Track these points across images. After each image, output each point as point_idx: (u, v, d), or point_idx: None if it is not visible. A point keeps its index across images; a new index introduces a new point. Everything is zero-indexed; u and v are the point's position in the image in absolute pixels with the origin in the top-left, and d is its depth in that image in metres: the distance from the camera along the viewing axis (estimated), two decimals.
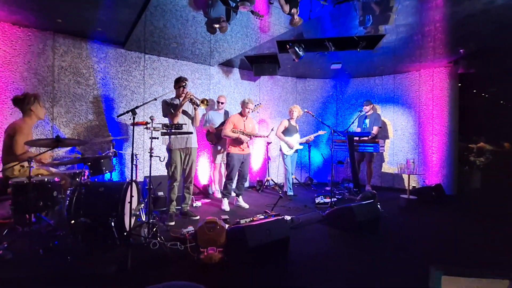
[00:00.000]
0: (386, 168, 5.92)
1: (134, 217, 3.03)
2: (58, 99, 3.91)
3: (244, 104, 4.09)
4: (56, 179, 2.72)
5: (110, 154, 3.39)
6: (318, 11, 3.31)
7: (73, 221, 2.62)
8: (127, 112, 2.58)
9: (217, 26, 3.34)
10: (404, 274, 2.25)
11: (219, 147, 4.65)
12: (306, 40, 4.07)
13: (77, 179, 3.10)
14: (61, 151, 3.86)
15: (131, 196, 2.65)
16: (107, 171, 3.31)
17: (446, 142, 5.27)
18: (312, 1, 3.20)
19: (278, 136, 4.79)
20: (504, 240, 3.01)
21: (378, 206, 3.59)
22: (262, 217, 3.22)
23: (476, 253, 2.70)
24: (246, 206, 4.10)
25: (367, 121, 5.42)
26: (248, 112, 4.11)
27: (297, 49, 4.05)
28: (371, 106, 5.43)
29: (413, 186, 5.13)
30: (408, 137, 5.69)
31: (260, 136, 4.25)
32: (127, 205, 2.78)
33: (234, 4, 3.11)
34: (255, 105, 4.30)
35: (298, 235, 3.00)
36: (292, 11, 3.22)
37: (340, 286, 2.08)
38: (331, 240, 3.03)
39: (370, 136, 5.16)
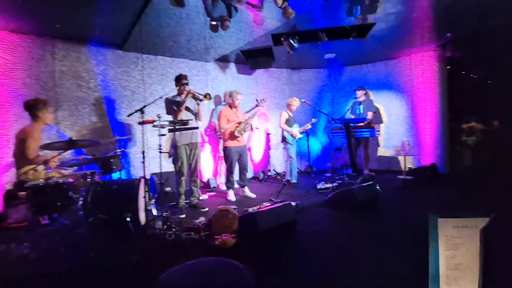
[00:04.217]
0: (382, 151, 6.13)
1: (147, 212, 3.17)
2: (61, 103, 3.99)
3: (233, 96, 4.19)
4: (70, 180, 2.84)
5: (118, 153, 3.50)
6: (310, 3, 3.42)
7: (91, 219, 2.76)
8: (137, 111, 2.70)
9: (214, 22, 3.45)
10: (401, 246, 2.44)
11: None
12: (300, 32, 4.18)
13: (89, 179, 3.22)
14: (68, 154, 3.96)
15: (146, 192, 2.79)
16: (116, 170, 3.43)
17: (438, 123, 5.48)
18: None
19: (282, 128, 4.93)
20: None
21: (377, 187, 3.77)
22: (269, 204, 3.39)
23: None
24: (253, 195, 4.27)
25: (360, 107, 5.58)
26: (238, 103, 4.20)
27: (291, 41, 4.16)
28: (364, 92, 5.58)
29: (409, 167, 5.35)
30: (402, 121, 5.89)
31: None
32: (140, 200, 2.93)
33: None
34: (261, 100, 4.41)
35: (303, 218, 3.18)
36: (284, 4, 3.34)
37: (343, 259, 2.27)
38: (334, 220, 3.24)
39: (365, 122, 5.33)
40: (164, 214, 3.05)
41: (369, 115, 5.44)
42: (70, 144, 2.56)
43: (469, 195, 4.05)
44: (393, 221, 3.08)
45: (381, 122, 6.09)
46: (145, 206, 3.09)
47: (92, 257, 2.41)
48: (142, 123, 2.73)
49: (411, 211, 3.39)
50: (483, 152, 6.07)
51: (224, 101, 5.24)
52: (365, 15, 3.79)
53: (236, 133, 4.09)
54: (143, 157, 2.73)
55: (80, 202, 3.02)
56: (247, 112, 5.18)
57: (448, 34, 4.62)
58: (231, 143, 4.14)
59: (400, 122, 5.92)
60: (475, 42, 4.90)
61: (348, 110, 5.71)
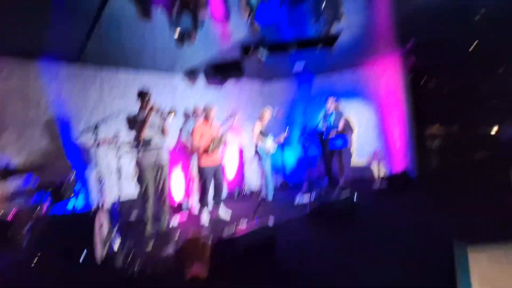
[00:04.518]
0: (356, 160, 6.16)
1: (107, 247, 2.80)
2: (6, 125, 3.52)
3: (206, 111, 3.99)
4: (12, 212, 2.43)
5: (72, 179, 3.12)
6: (277, 14, 3.37)
7: (37, 259, 2.36)
8: (87, 130, 2.38)
9: (180, 34, 3.30)
10: (384, 257, 2.38)
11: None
12: (269, 43, 4.11)
13: (37, 211, 2.80)
14: (15, 183, 3.47)
15: (101, 224, 2.44)
16: (70, 198, 3.04)
17: (406, 129, 5.63)
18: (270, 6, 3.25)
19: (256, 141, 4.75)
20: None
21: (354, 198, 3.69)
22: (245, 225, 3.16)
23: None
24: (228, 217, 4.00)
25: (331, 117, 5.59)
26: (213, 118, 4.01)
27: (260, 52, 4.07)
28: (334, 102, 5.60)
29: (382, 175, 5.39)
30: (372, 129, 5.98)
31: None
32: (97, 234, 2.57)
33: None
34: (232, 114, 4.22)
35: (282, 238, 2.99)
36: (250, 19, 3.27)
37: (326, 276, 2.16)
38: (314, 236, 3.10)
39: (337, 132, 5.32)
40: (127, 246, 2.70)
41: (340, 124, 5.45)
42: (6, 173, 2.18)
43: (441, 199, 4.13)
44: (373, 232, 3.03)
45: (353, 131, 6.14)
46: (104, 239, 2.72)
47: None
48: (97, 143, 2.42)
49: (390, 219, 3.37)
50: (448, 155, 6.36)
51: (194, 116, 4.99)
52: (331, 25, 3.81)
53: (210, 150, 3.85)
54: (101, 183, 2.40)
55: (26, 240, 2.62)
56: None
57: (409, 42, 4.80)
58: (205, 162, 3.88)
59: (370, 130, 6.01)
60: (434, 49, 5.14)
61: (320, 120, 5.70)
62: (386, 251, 2.54)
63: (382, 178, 5.06)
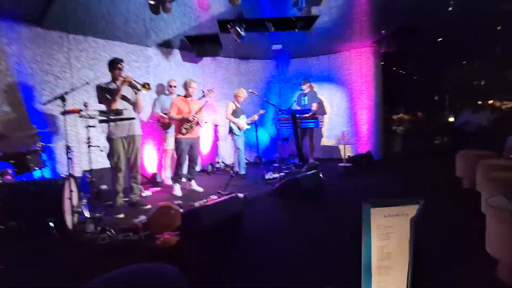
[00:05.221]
0: (325, 141, 6.47)
1: (76, 215, 2.82)
2: None
3: (186, 85, 3.98)
4: None
5: (38, 148, 3.02)
6: None
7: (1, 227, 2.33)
8: (55, 99, 2.31)
9: (154, 2, 3.16)
10: (345, 231, 2.60)
11: (171, 132, 4.48)
12: (247, 20, 4.08)
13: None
14: None
15: (71, 191, 2.44)
16: (35, 168, 2.96)
17: (373, 114, 5.97)
18: None
19: (228, 119, 4.82)
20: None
21: (321, 175, 3.95)
22: (216, 197, 3.31)
23: None
24: (200, 189, 4.11)
25: (305, 98, 5.76)
26: (193, 92, 4.01)
27: (238, 29, 4.04)
28: (308, 84, 5.76)
29: (348, 155, 5.74)
30: (343, 112, 6.27)
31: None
32: (66, 202, 2.57)
33: None
34: (208, 90, 4.21)
35: (251, 210, 3.17)
36: None
37: (291, 249, 2.32)
38: (281, 210, 3.30)
39: (310, 113, 5.53)
40: (98, 215, 2.74)
41: (314, 106, 5.65)
42: None
43: (400, 179, 4.55)
44: (337, 207, 3.30)
45: (325, 113, 6.39)
46: (74, 208, 2.73)
47: (3, 273, 2.04)
48: (65, 113, 2.36)
49: (351, 196, 3.67)
50: (411, 140, 6.92)
51: (167, 91, 4.91)
52: (310, 7, 3.85)
53: (183, 131, 3.87)
54: (67, 152, 2.37)
55: None
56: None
57: (383, 31, 4.99)
58: (182, 134, 3.91)
59: (341, 113, 6.29)
60: (406, 38, 5.39)
61: (294, 101, 5.86)
62: (342, 224, 2.82)
63: (347, 158, 5.39)
